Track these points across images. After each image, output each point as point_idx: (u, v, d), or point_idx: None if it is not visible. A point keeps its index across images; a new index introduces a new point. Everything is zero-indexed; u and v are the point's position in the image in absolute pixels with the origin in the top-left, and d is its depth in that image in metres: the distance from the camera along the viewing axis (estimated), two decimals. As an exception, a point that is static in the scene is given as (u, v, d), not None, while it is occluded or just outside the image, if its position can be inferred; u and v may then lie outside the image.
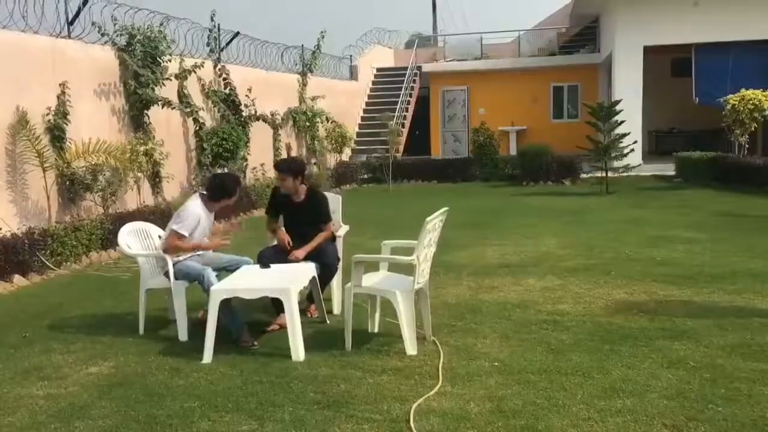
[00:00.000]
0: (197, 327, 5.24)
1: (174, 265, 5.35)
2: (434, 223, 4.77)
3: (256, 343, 5.05)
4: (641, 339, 4.89)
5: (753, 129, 14.79)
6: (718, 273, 6.80)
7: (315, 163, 17.24)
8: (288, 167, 5.70)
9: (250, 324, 5.48)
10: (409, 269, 4.89)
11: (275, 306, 5.32)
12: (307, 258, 5.51)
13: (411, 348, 4.74)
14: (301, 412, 3.83)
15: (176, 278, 5.33)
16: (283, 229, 5.74)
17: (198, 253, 5.59)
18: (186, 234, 5.34)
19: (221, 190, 5.59)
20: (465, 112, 23.64)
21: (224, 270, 5.55)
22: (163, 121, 11.57)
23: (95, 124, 10.05)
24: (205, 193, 5.61)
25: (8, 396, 4.27)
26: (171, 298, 5.43)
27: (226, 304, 4.90)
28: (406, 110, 21.78)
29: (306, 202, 5.70)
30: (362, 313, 5.37)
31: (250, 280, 5.12)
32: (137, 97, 10.87)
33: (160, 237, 5.86)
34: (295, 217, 5.73)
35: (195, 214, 5.40)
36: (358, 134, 20.49)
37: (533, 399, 3.91)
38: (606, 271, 7.04)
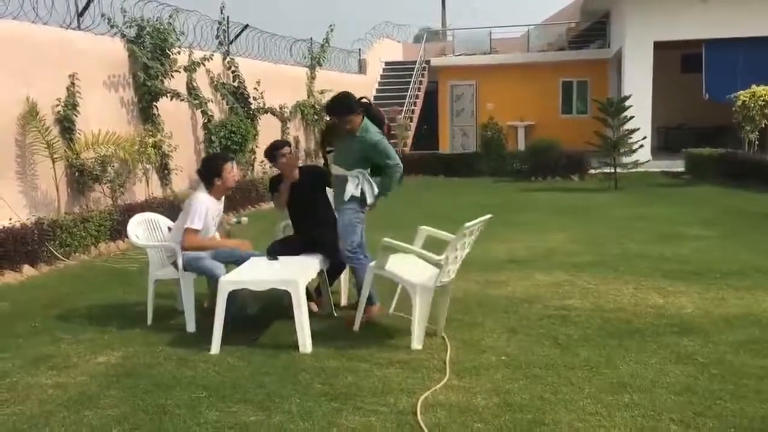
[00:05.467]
0: (205, 317, 5.25)
1: (183, 255, 5.36)
2: (471, 229, 4.72)
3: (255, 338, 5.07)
4: (649, 334, 4.88)
5: (763, 125, 14.69)
6: (727, 269, 6.77)
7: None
8: (285, 142, 5.81)
9: (255, 316, 5.51)
10: (437, 264, 4.83)
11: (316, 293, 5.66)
12: (315, 251, 5.51)
13: (417, 343, 4.73)
14: (308, 404, 3.84)
15: (185, 269, 5.34)
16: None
17: None
18: (200, 227, 5.34)
19: (206, 171, 5.54)
20: (473, 106, 23.60)
21: (233, 263, 5.56)
22: (172, 114, 11.58)
23: (104, 116, 10.07)
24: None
25: (18, 385, 4.30)
26: (179, 289, 5.46)
27: (231, 296, 4.92)
28: (415, 104, 21.74)
29: (301, 177, 5.69)
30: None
31: (258, 272, 5.12)
32: (146, 89, 10.89)
33: (169, 228, 5.87)
34: (298, 196, 5.70)
35: (202, 204, 5.38)
36: (366, 128, 20.44)
37: (540, 393, 3.91)
38: (614, 267, 7.02)
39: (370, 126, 5.20)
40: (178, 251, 5.35)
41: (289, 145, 5.77)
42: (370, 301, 5.21)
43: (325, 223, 5.67)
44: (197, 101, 12.27)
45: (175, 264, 5.40)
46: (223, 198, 5.68)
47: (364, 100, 5.37)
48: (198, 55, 12.39)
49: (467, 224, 4.59)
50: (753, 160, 14.02)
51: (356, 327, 4.92)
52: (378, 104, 21.92)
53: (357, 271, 5.28)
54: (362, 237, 5.36)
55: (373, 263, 4.92)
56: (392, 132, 5.64)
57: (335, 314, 5.59)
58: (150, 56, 10.87)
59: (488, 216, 4.89)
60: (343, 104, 5.25)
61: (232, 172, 5.56)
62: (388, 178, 5.21)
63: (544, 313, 5.51)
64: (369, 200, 5.20)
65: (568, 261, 7.44)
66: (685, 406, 3.69)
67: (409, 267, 5.10)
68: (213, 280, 5.16)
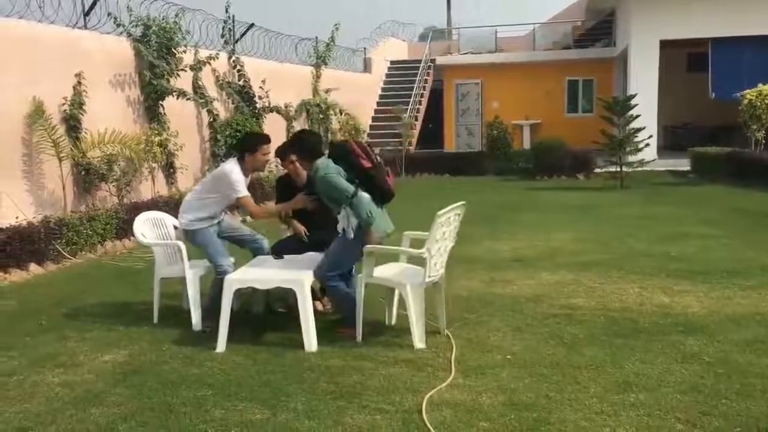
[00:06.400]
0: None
1: (195, 231, 5.35)
2: (447, 216, 4.72)
3: (209, 326, 5.13)
4: (655, 334, 4.87)
5: (770, 124, 14.65)
6: (733, 269, 6.75)
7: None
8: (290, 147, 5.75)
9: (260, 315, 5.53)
10: (423, 262, 4.86)
11: (321, 291, 5.58)
12: (322, 249, 5.51)
13: (419, 342, 4.74)
14: (313, 402, 3.85)
15: (192, 243, 5.39)
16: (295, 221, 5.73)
17: (216, 221, 5.51)
18: (248, 193, 5.34)
19: (242, 143, 5.55)
20: (478, 105, 23.58)
21: (237, 242, 5.69)
22: (178, 112, 11.61)
23: (110, 115, 10.10)
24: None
25: (25, 383, 4.32)
26: (185, 287, 5.48)
27: (219, 287, 4.99)
28: (420, 103, 21.74)
29: (308, 182, 5.67)
30: (377, 305, 5.38)
31: (264, 271, 5.14)
32: (152, 88, 10.92)
33: (175, 227, 5.88)
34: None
35: (236, 173, 5.28)
36: (372, 127, 20.47)
37: (546, 392, 3.91)
38: (619, 266, 7.00)
39: (320, 164, 4.93)
40: (183, 249, 5.37)
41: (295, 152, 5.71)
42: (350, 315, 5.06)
43: (330, 223, 5.67)
44: (203, 100, 12.30)
45: (190, 240, 5.43)
46: (249, 177, 5.53)
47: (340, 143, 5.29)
48: (203, 54, 12.41)
49: (440, 212, 4.58)
50: (759, 160, 13.96)
51: (358, 338, 4.91)
52: (383, 103, 21.80)
53: (332, 294, 5.23)
54: (351, 266, 5.22)
55: (361, 275, 4.89)
56: (369, 153, 5.14)
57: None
58: (156, 55, 10.90)
59: (461, 203, 4.87)
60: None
61: (267, 153, 5.44)
62: (355, 210, 4.81)
63: (549, 312, 5.51)
64: (348, 235, 4.90)
65: (573, 260, 7.43)
66: (691, 405, 3.69)
67: (396, 270, 5.13)
68: (219, 275, 5.18)
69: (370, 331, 5.01)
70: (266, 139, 5.49)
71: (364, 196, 4.79)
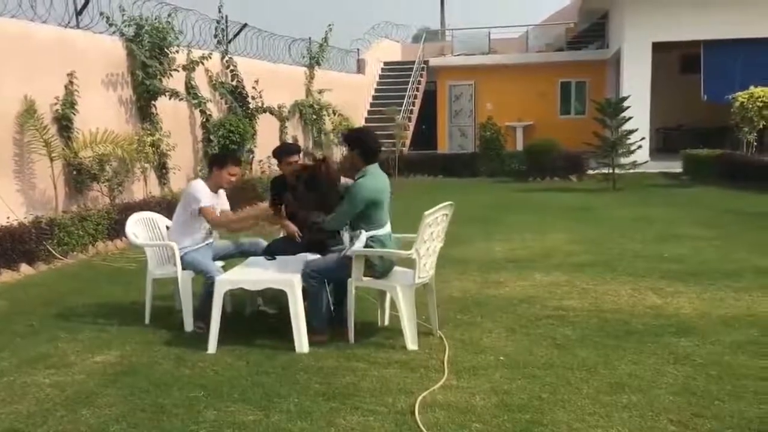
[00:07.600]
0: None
1: (183, 256, 5.36)
2: (435, 216, 4.69)
3: (201, 327, 5.11)
4: (647, 335, 4.88)
5: (761, 126, 14.70)
6: (725, 270, 6.78)
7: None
8: (297, 149, 5.79)
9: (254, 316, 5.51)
10: (412, 263, 4.84)
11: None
12: (315, 251, 5.50)
13: (411, 343, 4.72)
14: (306, 403, 3.84)
15: (183, 268, 5.34)
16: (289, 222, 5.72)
17: (208, 242, 5.57)
18: (210, 203, 5.34)
19: (213, 158, 5.69)
20: (471, 107, 23.60)
21: (237, 254, 5.68)
22: (171, 113, 11.57)
23: (103, 115, 10.06)
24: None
25: (15, 384, 4.29)
26: (177, 287, 5.45)
27: (210, 289, 4.98)
28: (413, 104, 21.75)
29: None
30: (370, 306, 5.37)
31: (255, 272, 5.12)
32: (145, 88, 10.87)
33: (168, 227, 5.86)
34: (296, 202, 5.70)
35: (200, 185, 5.39)
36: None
37: (538, 393, 3.91)
38: (612, 268, 7.02)
39: (371, 171, 4.92)
40: (176, 250, 5.35)
41: (299, 153, 5.71)
42: (318, 321, 5.03)
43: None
44: (196, 100, 12.26)
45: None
46: (222, 192, 5.63)
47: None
48: (196, 54, 12.38)
49: (427, 212, 4.57)
50: (751, 161, 14.04)
51: (351, 339, 4.89)
52: (376, 104, 21.77)
53: (307, 289, 5.12)
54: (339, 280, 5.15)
55: (350, 279, 4.86)
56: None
57: (333, 314, 5.57)
58: (148, 55, 10.86)
59: (449, 203, 4.86)
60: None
61: (233, 174, 5.52)
62: (333, 218, 4.93)
63: (542, 313, 5.51)
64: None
65: (566, 261, 7.44)
66: (683, 406, 3.69)
67: (389, 274, 5.07)
68: (208, 281, 5.16)
69: (363, 333, 5.00)
70: (236, 161, 5.62)
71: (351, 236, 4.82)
